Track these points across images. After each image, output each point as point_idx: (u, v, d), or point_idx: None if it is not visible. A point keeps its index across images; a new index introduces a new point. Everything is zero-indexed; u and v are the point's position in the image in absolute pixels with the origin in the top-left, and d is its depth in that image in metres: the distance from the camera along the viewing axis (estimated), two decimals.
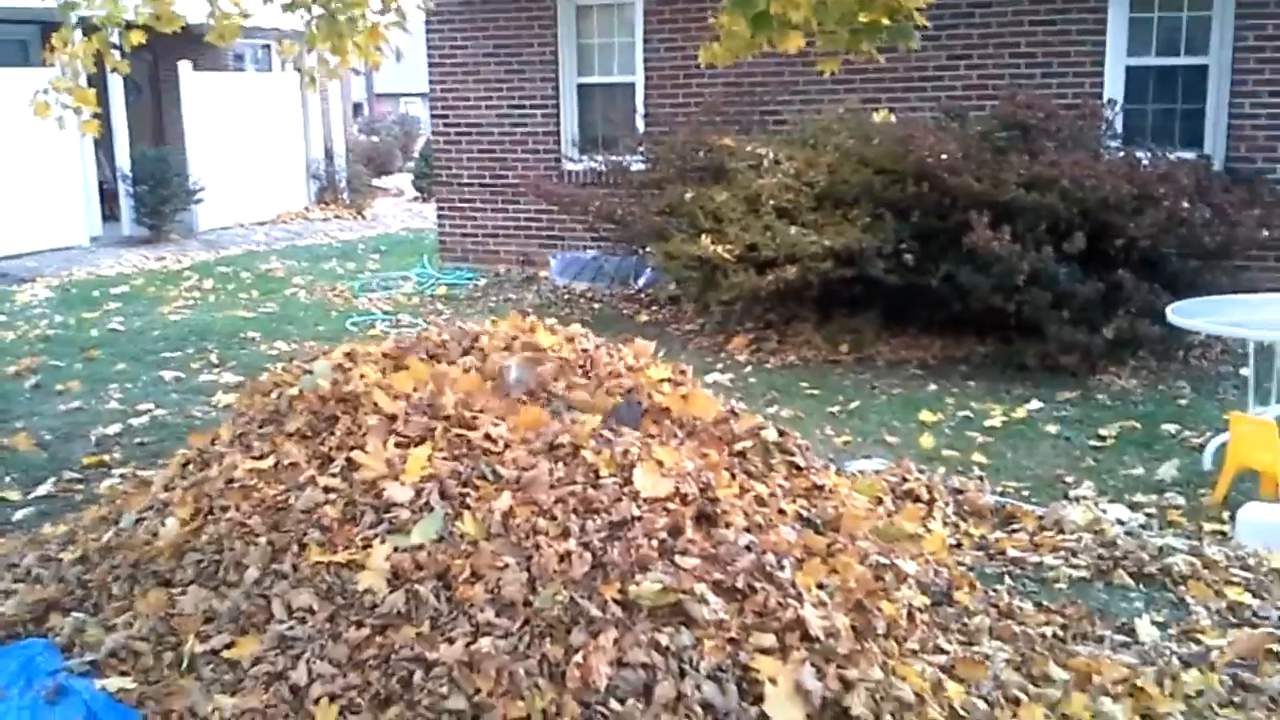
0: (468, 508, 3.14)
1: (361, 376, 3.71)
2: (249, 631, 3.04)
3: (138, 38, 6.99)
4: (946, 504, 4.77)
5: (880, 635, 3.09)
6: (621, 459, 3.35)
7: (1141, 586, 4.02)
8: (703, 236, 7.71)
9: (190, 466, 3.77)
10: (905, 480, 4.93)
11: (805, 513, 3.58)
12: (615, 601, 2.89)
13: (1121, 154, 7.65)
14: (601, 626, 2.82)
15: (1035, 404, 6.42)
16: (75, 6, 6.39)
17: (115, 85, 13.53)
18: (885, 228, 7.33)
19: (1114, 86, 8.63)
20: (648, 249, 8.72)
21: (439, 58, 10.99)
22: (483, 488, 3.21)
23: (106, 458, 5.42)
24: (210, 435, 3.88)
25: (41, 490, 4.98)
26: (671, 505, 3.22)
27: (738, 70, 9.31)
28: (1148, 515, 4.70)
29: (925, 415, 6.19)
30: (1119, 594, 3.96)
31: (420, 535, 3.04)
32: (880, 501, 4.56)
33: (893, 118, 8.17)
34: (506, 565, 2.95)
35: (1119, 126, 8.24)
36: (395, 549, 3.03)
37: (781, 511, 3.50)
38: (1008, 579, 4.09)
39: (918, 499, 4.77)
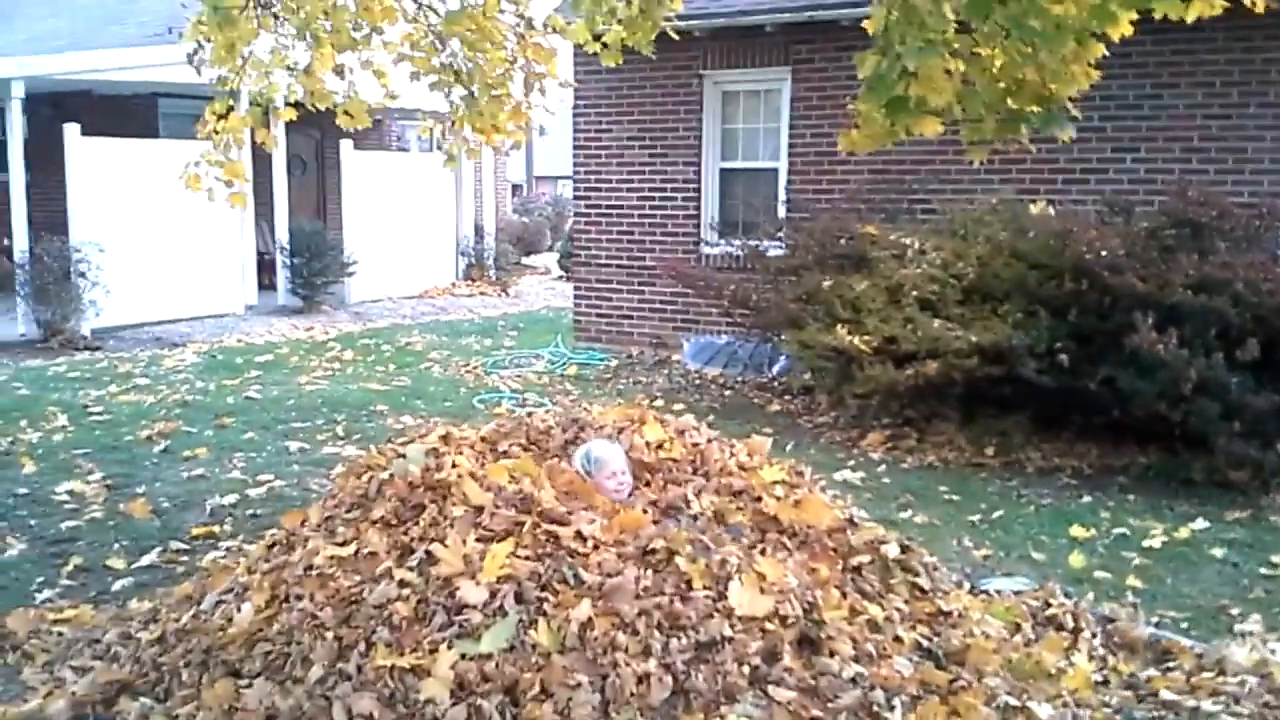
0: (544, 614, 2.88)
1: (454, 465, 3.52)
2: None
3: (288, 114, 7.15)
4: (1094, 634, 4.28)
5: None
6: (718, 569, 3.05)
7: None
8: (839, 326, 7.38)
9: (276, 549, 3.63)
10: (1049, 605, 4.47)
11: (926, 642, 3.20)
12: None
13: None
14: None
15: (1200, 523, 5.83)
16: (229, 82, 6.56)
17: (279, 160, 14.10)
18: (1039, 325, 6.87)
19: None
20: (782, 336, 8.43)
21: (584, 140, 11.03)
22: (563, 593, 2.96)
23: (217, 529, 5.37)
24: (301, 516, 3.74)
25: (146, 560, 4.95)
26: (770, 626, 2.91)
27: (885, 157, 9.03)
28: None
29: (1077, 530, 5.68)
30: None
31: (490, 643, 2.80)
32: (1019, 628, 4.12)
33: (1051, 210, 7.73)
34: (579, 685, 2.68)
35: None
36: (463, 656, 2.80)
37: (898, 639, 3.14)
38: None
39: (1061, 627, 4.29)
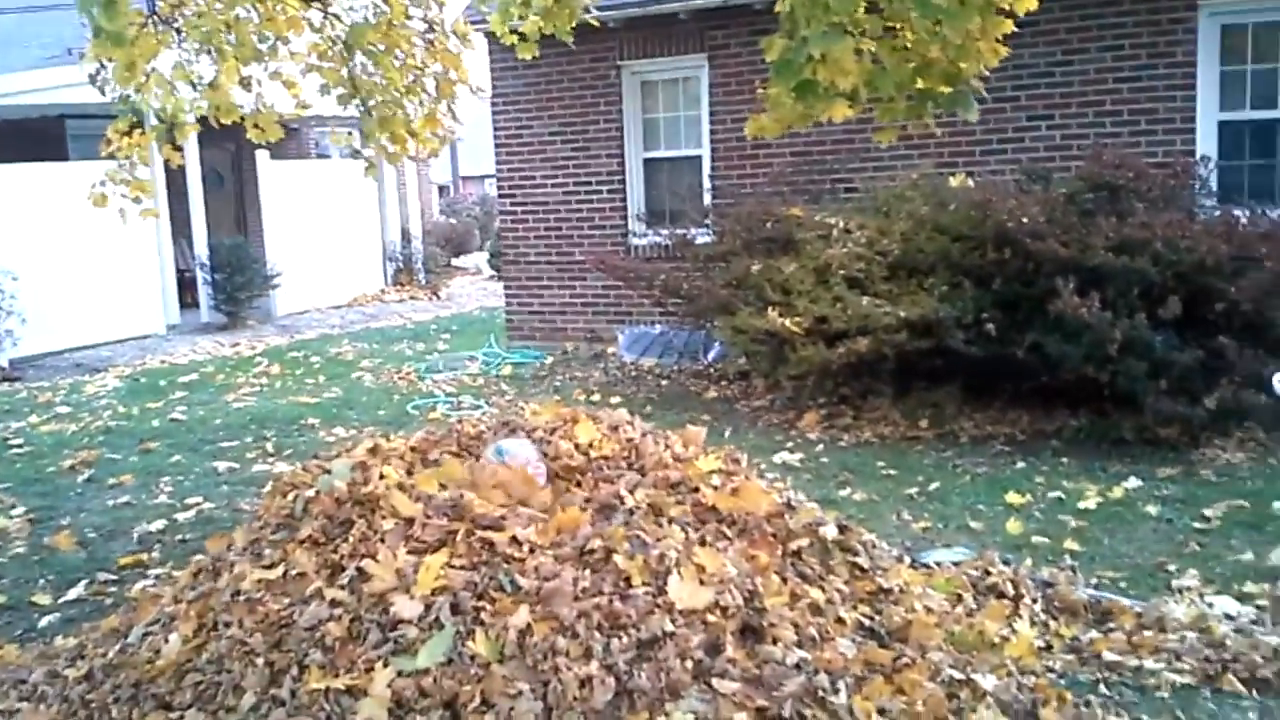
0: (481, 624, 2.82)
1: (381, 476, 3.44)
2: None
3: (192, 130, 6.98)
4: (1035, 600, 4.31)
5: None
6: (657, 564, 3.01)
7: (1255, 694, 3.53)
8: (770, 309, 7.38)
9: (202, 575, 3.53)
10: (988, 573, 4.49)
11: (868, 621, 3.20)
12: None
13: (1218, 213, 7.15)
14: None
15: (1133, 482, 5.92)
16: (131, 101, 6.39)
17: (194, 175, 13.81)
18: (964, 296, 6.92)
19: (1206, 143, 8.16)
20: (715, 323, 8.42)
21: (505, 138, 10.93)
22: (500, 600, 2.90)
23: (145, 557, 5.23)
24: (226, 540, 3.64)
25: (73, 594, 4.79)
26: (711, 618, 2.87)
27: (805, 139, 9.05)
28: (1259, 608, 4.17)
29: (1013, 497, 5.72)
30: (1229, 703, 3.48)
31: (427, 658, 2.73)
32: (960, 599, 4.13)
33: (970, 182, 7.79)
34: (520, 693, 2.63)
35: (1214, 185, 7.74)
36: (400, 673, 2.72)
37: (840, 620, 3.12)
38: (1103, 687, 3.62)
39: (1002, 595, 4.31)
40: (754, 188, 9.22)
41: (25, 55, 13.63)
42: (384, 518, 3.24)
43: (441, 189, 31.82)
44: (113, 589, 4.85)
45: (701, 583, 2.94)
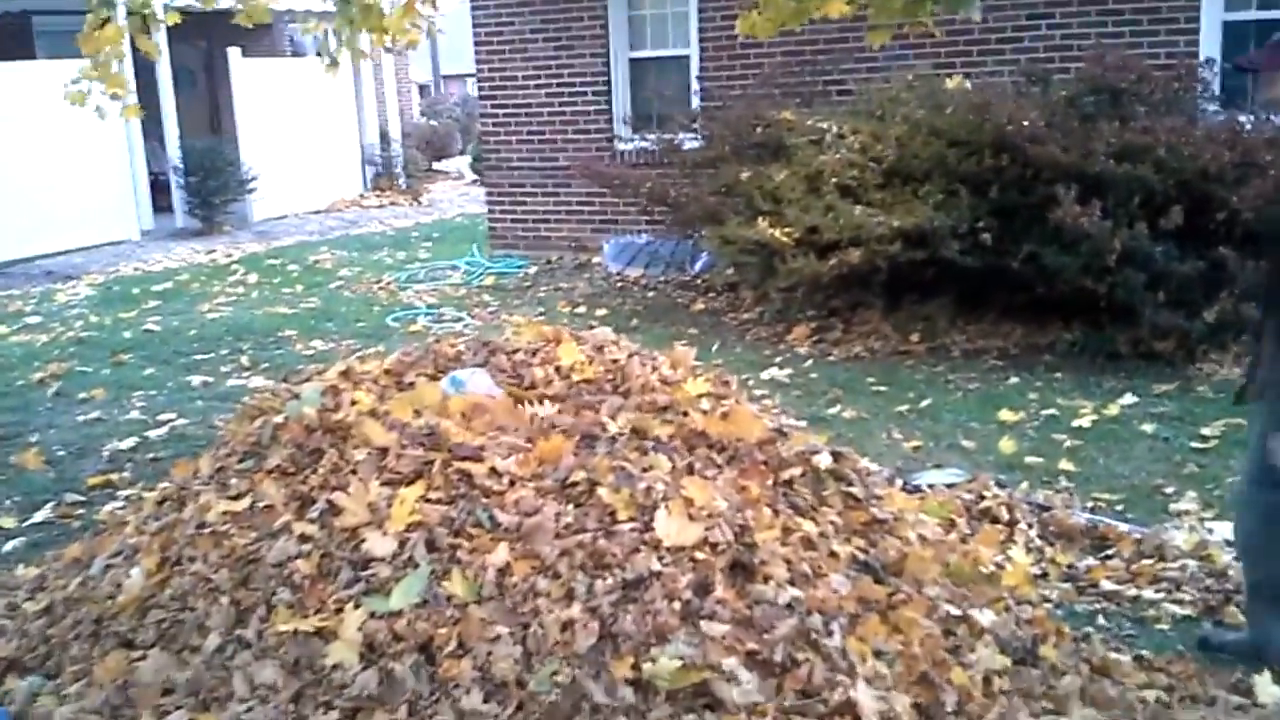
0: (458, 562, 2.67)
1: (353, 403, 3.26)
2: (210, 708, 2.62)
3: (172, 19, 6.68)
4: (1030, 525, 4.22)
5: (950, 714, 2.57)
6: (644, 498, 2.85)
7: None
8: (760, 219, 7.16)
9: (166, 505, 3.36)
10: (982, 497, 4.40)
11: (862, 555, 3.05)
12: (627, 682, 2.41)
13: (1221, 119, 6.92)
14: (608, 715, 2.34)
15: (1129, 399, 5.80)
16: None
17: (165, 74, 13.34)
18: (960, 205, 6.71)
19: (1211, 44, 7.86)
20: (703, 233, 8.20)
21: (485, 35, 10.53)
22: (478, 537, 2.75)
23: (115, 477, 5.07)
24: (192, 466, 3.47)
25: (39, 516, 4.65)
26: (700, 555, 2.73)
27: (798, 38, 8.71)
28: None
29: (1006, 414, 5.60)
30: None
31: (400, 599, 2.59)
32: (953, 524, 4.03)
33: (968, 84, 7.51)
34: (498, 636, 2.49)
35: (1217, 88, 7.48)
36: (372, 615, 2.58)
37: (833, 555, 2.98)
38: (1101, 619, 3.54)
39: (996, 520, 4.23)
40: (744, 90, 8.90)
41: None
42: (356, 447, 3.07)
43: (422, 88, 31.06)
44: (80, 511, 4.71)
45: (690, 518, 2.79)
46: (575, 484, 2.93)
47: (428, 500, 2.87)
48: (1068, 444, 5.20)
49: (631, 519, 2.80)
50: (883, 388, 6.08)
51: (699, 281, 8.90)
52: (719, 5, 9.36)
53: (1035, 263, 6.53)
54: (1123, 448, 5.16)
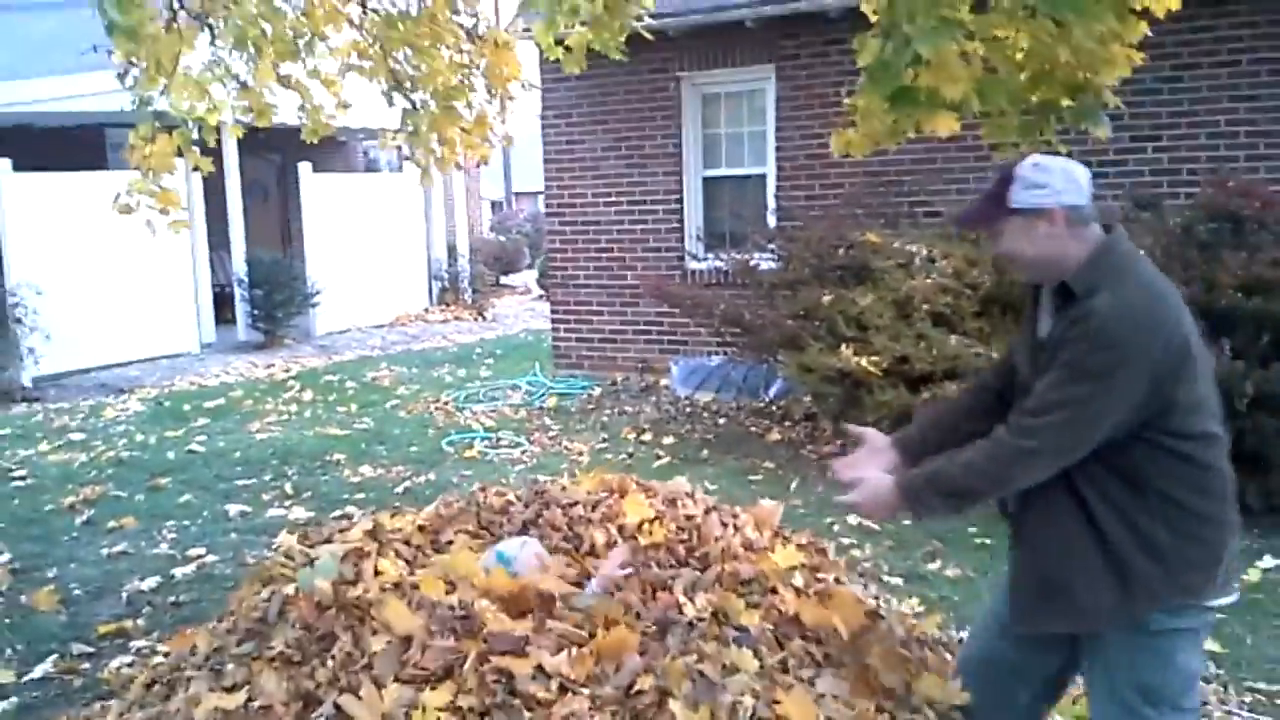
0: None
1: (376, 572, 2.72)
2: None
3: (236, 132, 6.47)
4: None
5: None
6: (728, 718, 2.26)
7: None
8: (844, 346, 6.63)
9: (155, 689, 2.83)
10: None
11: None
12: None
13: None
14: None
15: (1268, 561, 5.12)
16: (150, 102, 5.83)
17: (234, 186, 13.30)
18: None
19: None
20: (779, 358, 7.66)
21: (554, 153, 10.25)
22: None
23: (129, 624, 4.55)
24: (190, 641, 2.94)
25: (40, 670, 4.13)
26: None
27: (880, 157, 8.25)
28: None
29: None
30: None
31: None
32: None
33: None
34: None
35: None
36: None
37: None
38: None
39: None
40: (823, 210, 8.45)
41: (66, 59, 13.19)
42: (375, 632, 2.53)
43: (495, 205, 31.36)
44: (85, 665, 4.19)
45: None
46: (641, 693, 2.35)
47: (455, 710, 2.30)
48: None
49: None
50: (986, 540, 5.41)
51: (774, 409, 8.33)
52: (798, 124, 8.98)
53: None
54: (1273, 625, 4.46)
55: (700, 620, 2.67)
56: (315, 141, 6.24)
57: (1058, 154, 5.14)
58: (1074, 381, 2.27)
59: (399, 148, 6.83)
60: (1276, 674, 3.99)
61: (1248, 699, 3.79)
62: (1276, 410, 5.54)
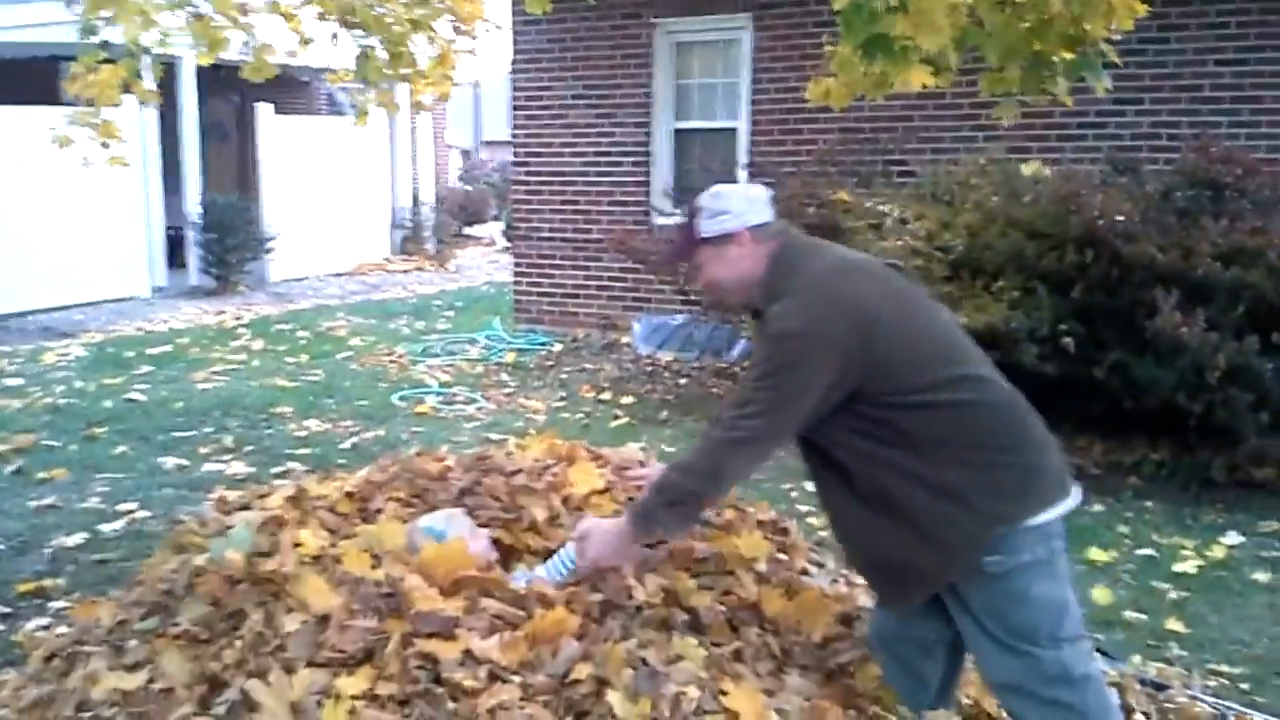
0: None
1: (295, 544, 2.50)
2: None
3: (203, 60, 6.11)
4: (1148, 715, 3.37)
5: None
6: (671, 712, 2.06)
7: None
8: None
9: (55, 662, 2.60)
10: None
11: None
12: None
13: None
14: None
15: (1234, 537, 5.04)
16: (95, 30, 5.49)
17: (190, 126, 12.87)
18: (1039, 305, 5.92)
19: None
20: (743, 318, 7.45)
21: (524, 99, 9.94)
22: None
23: (50, 583, 4.30)
24: (95, 611, 2.71)
25: None
26: None
27: (857, 114, 8.03)
28: None
29: (1096, 553, 4.79)
30: None
31: None
32: None
33: (1046, 170, 6.78)
34: None
35: None
36: None
37: None
38: None
39: None
40: (796, 167, 8.21)
41: None
42: (290, 610, 2.31)
43: (463, 154, 30.84)
44: (0, 626, 3.95)
45: None
46: (577, 682, 2.15)
47: (374, 698, 2.09)
48: (1172, 595, 4.39)
49: None
50: None
51: (736, 369, 8.14)
52: (774, 76, 8.72)
53: (1122, 373, 5.75)
54: (1236, 603, 4.35)
55: (651, 605, 2.47)
56: (261, 81, 5.92)
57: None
58: (766, 375, 2.35)
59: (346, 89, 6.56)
60: (1237, 656, 3.87)
61: (1212, 682, 3.66)
62: (1249, 384, 5.41)
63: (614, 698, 2.09)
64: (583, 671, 2.15)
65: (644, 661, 2.20)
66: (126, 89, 5.79)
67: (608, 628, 2.33)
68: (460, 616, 2.29)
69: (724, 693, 2.14)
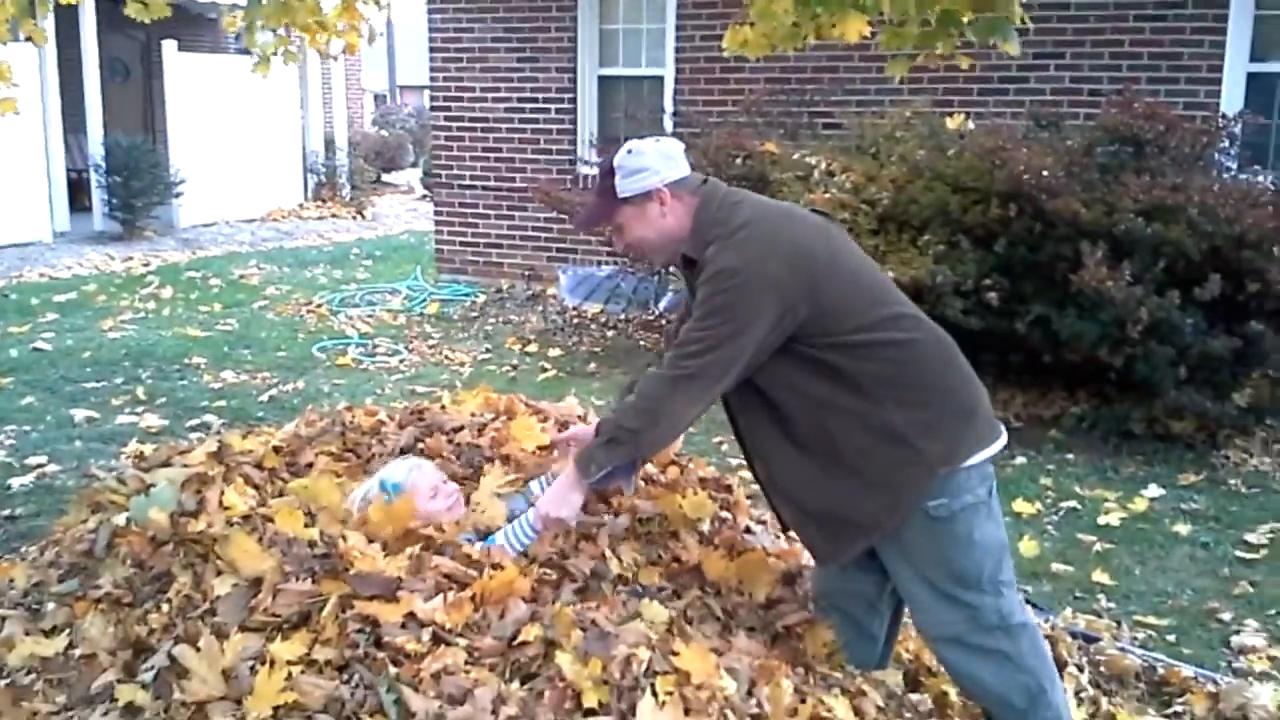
0: None
1: (223, 504, 2.39)
2: None
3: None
4: (1080, 666, 3.43)
5: None
6: (621, 674, 2.02)
7: None
8: None
9: None
10: None
11: None
12: None
13: (1242, 177, 6.28)
14: None
15: (1154, 490, 5.13)
16: None
17: (91, 64, 12.33)
18: (964, 258, 5.96)
19: (1234, 96, 7.24)
20: (670, 270, 7.39)
21: (442, 42, 9.69)
22: None
23: None
24: (8, 573, 2.57)
25: None
26: None
27: (783, 64, 7.98)
28: None
29: (1021, 505, 4.86)
30: None
31: None
32: None
33: (970, 124, 6.80)
34: None
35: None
36: None
37: None
38: None
39: None
40: (723, 117, 8.14)
41: None
42: (219, 573, 2.20)
43: (378, 97, 30.14)
44: None
45: (687, 711, 1.96)
46: (526, 644, 2.09)
47: (310, 663, 2.01)
48: (1097, 548, 4.48)
49: (602, 704, 1.96)
50: None
51: (663, 321, 8.09)
52: (700, 24, 8.61)
53: (1044, 327, 5.83)
54: (1159, 555, 4.45)
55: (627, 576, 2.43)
56: (149, 21, 5.58)
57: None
58: (707, 315, 2.33)
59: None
60: (1162, 607, 3.96)
61: (1139, 634, 3.74)
62: (1168, 338, 5.50)
63: (563, 659, 2.03)
64: (531, 633, 2.09)
65: (593, 622, 2.15)
66: (16, 31, 5.48)
67: (559, 586, 2.28)
68: (403, 577, 2.21)
69: (675, 653, 2.10)
